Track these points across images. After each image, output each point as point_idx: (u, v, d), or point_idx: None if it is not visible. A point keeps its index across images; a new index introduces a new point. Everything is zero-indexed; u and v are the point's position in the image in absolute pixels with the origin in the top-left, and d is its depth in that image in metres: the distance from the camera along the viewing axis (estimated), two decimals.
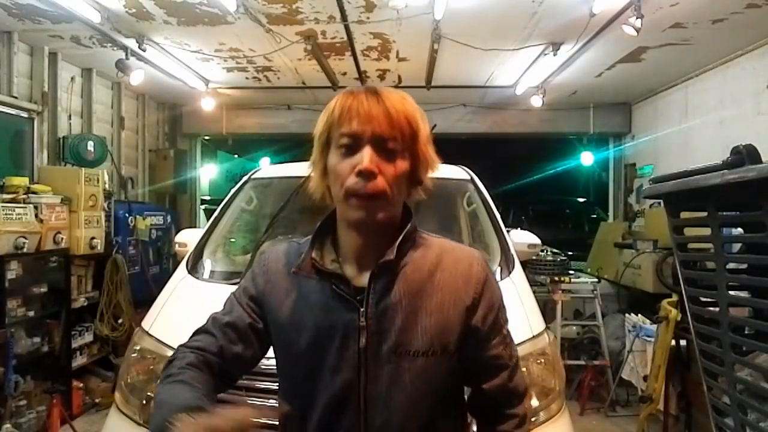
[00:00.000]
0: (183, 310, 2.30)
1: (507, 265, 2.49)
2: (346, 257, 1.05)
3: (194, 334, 1.10)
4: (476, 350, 1.06)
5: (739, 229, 1.34)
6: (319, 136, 1.02)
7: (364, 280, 1.01)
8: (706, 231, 1.28)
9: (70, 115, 5.03)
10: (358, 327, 0.99)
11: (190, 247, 2.83)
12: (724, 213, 1.26)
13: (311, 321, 1.02)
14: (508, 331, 1.12)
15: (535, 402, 1.91)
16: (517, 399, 1.13)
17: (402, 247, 1.02)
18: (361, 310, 0.99)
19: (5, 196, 3.76)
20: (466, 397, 1.16)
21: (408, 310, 1.00)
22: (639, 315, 4.19)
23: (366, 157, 0.95)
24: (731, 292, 1.27)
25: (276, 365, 1.13)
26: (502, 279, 2.37)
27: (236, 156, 11.64)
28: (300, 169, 2.95)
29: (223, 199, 3.20)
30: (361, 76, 5.53)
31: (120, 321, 4.64)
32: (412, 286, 1.01)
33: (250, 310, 1.09)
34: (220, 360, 1.04)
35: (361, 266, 1.04)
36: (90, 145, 4.83)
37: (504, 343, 1.10)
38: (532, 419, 1.86)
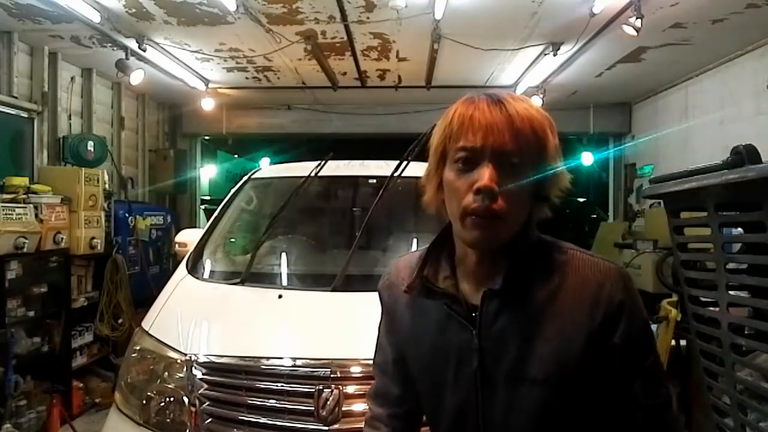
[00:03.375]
0: (183, 310, 2.30)
1: None
2: (462, 273, 1.00)
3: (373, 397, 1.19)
4: (609, 387, 0.94)
5: (739, 229, 1.33)
6: (435, 148, 0.96)
7: (479, 297, 0.95)
8: (706, 231, 1.28)
9: (70, 115, 5.03)
10: (471, 349, 0.94)
11: (190, 247, 2.83)
12: (724, 213, 1.26)
13: (429, 339, 1.01)
14: (653, 367, 0.95)
15: None
16: None
17: (517, 268, 0.93)
18: (474, 332, 0.94)
19: (5, 196, 3.76)
20: None
21: (523, 336, 0.92)
22: None
23: (485, 174, 0.87)
24: (731, 292, 1.26)
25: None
26: None
27: (236, 156, 11.66)
28: (300, 169, 2.95)
29: (223, 199, 3.20)
30: (361, 76, 5.53)
31: (120, 321, 4.64)
32: (527, 310, 0.93)
33: (391, 339, 1.13)
34: (400, 410, 1.13)
35: (477, 283, 0.97)
36: (90, 145, 4.82)
37: (646, 381, 0.94)
38: None
